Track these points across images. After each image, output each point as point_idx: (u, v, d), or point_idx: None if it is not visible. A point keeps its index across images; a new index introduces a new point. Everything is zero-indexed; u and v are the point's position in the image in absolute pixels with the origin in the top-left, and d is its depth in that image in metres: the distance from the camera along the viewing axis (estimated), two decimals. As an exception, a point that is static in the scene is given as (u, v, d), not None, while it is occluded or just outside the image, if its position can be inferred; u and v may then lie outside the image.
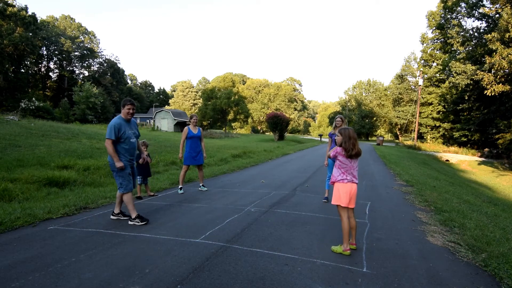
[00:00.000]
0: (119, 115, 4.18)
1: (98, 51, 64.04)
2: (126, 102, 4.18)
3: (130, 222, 4.09)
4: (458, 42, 29.28)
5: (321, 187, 7.09)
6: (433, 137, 38.38)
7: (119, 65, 68.30)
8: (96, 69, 64.12)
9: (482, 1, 26.04)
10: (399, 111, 45.74)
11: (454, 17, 30.49)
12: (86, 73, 62.39)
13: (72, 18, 62.39)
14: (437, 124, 37.54)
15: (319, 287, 2.56)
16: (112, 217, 4.29)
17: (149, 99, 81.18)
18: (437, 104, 37.24)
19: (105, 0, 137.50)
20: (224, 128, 54.34)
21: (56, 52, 56.91)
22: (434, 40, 39.14)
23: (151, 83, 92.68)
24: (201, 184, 6.50)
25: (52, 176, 6.31)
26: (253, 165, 11.06)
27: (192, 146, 6.16)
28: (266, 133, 60.59)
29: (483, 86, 18.94)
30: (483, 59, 20.83)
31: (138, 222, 4.04)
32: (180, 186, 6.26)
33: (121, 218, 4.28)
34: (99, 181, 6.89)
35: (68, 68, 59.88)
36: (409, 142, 36.14)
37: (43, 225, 3.97)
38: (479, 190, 11.71)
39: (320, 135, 46.56)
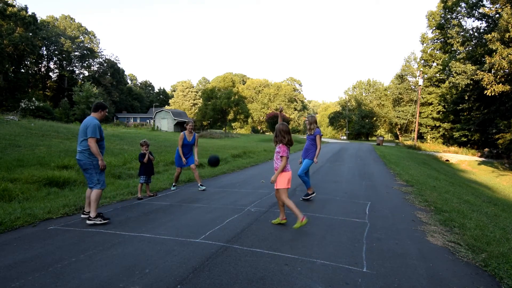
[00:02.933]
0: (93, 116, 4.17)
1: (98, 51, 64.03)
2: (105, 106, 4.32)
3: (89, 222, 3.99)
4: (458, 42, 29.29)
5: (320, 187, 7.10)
6: (433, 137, 38.39)
7: (119, 65, 68.29)
8: (96, 69, 64.13)
9: (482, 1, 26.04)
10: (399, 111, 45.75)
11: (454, 17, 30.51)
12: (86, 73, 62.41)
13: (72, 18, 62.39)
14: (437, 124, 37.56)
15: (319, 287, 2.56)
16: (89, 222, 4.02)
17: (149, 99, 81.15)
18: (437, 104, 37.25)
19: (105, 0, 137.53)
20: (224, 128, 54.33)
21: (56, 52, 56.90)
22: (434, 40, 39.15)
23: (151, 83, 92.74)
24: (199, 184, 6.52)
25: (52, 176, 6.31)
26: (253, 165, 11.06)
27: (183, 151, 6.30)
28: (266, 133, 60.60)
29: (483, 86, 18.95)
30: (483, 59, 20.84)
31: (100, 221, 3.99)
32: (173, 184, 6.55)
33: (98, 222, 4.04)
34: (99, 181, 6.89)
35: (68, 68, 59.88)
36: (409, 142, 36.14)
37: (43, 225, 3.98)
38: (479, 190, 11.71)
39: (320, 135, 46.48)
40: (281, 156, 3.93)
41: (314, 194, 5.87)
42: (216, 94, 49.45)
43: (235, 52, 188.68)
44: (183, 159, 6.23)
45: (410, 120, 43.34)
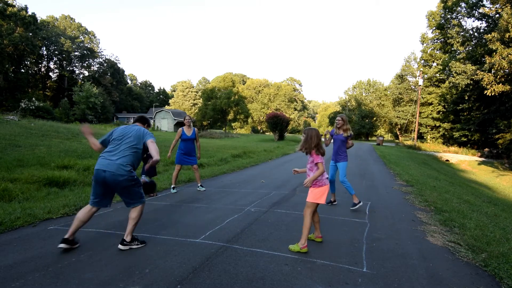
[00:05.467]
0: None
1: (98, 51, 64.04)
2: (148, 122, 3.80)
3: (123, 247, 3.20)
4: (458, 42, 29.33)
5: (321, 187, 7.09)
6: (433, 137, 38.38)
7: (119, 65, 68.32)
8: (96, 69, 64.13)
9: (482, 1, 26.08)
10: (399, 111, 45.75)
11: (454, 17, 30.55)
12: (86, 73, 62.41)
13: (72, 18, 62.43)
14: (437, 124, 37.55)
15: (319, 287, 2.56)
16: (123, 247, 3.22)
17: (149, 99, 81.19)
18: (437, 104, 37.25)
19: (105, 0, 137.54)
20: (224, 128, 54.36)
21: (56, 52, 56.91)
22: (434, 40, 39.15)
23: (151, 83, 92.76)
24: (199, 184, 6.50)
25: (52, 176, 6.30)
26: (253, 165, 11.06)
27: (185, 147, 6.16)
28: (266, 133, 60.58)
29: (483, 86, 18.96)
30: (483, 59, 20.86)
31: (137, 244, 3.30)
32: (172, 186, 6.29)
33: (134, 246, 3.28)
34: (99, 181, 6.88)
35: (68, 68, 59.88)
36: (409, 142, 36.14)
37: (43, 225, 3.97)
38: (479, 190, 11.71)
39: (320, 135, 46.24)
40: (317, 163, 3.36)
41: (361, 203, 5.10)
42: (216, 94, 49.48)
43: (235, 52, 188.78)
44: (169, 153, 6.16)
45: (410, 120, 43.32)
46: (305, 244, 3.28)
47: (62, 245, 3.12)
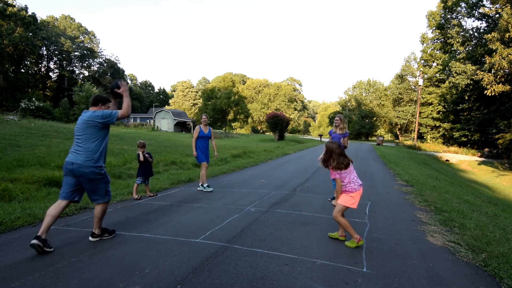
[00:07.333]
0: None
1: (98, 51, 64.06)
2: (106, 99, 3.59)
3: (92, 239, 3.46)
4: (458, 42, 29.34)
5: (321, 187, 7.10)
6: (433, 137, 38.39)
7: (119, 65, 68.34)
8: (96, 69, 64.14)
9: (482, 1, 26.08)
10: (399, 111, 45.77)
11: (454, 17, 30.57)
12: (86, 73, 62.42)
13: (72, 18, 62.45)
14: (437, 124, 37.56)
15: (319, 287, 2.56)
16: (92, 238, 3.47)
17: (149, 99, 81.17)
18: (437, 104, 37.27)
19: (106, 0, 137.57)
20: (224, 128, 54.33)
21: (56, 52, 56.91)
22: (434, 40, 39.18)
23: (151, 83, 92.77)
24: (200, 184, 6.51)
25: (52, 176, 6.31)
26: (253, 165, 11.06)
27: (202, 144, 6.39)
28: (266, 133, 60.59)
29: (483, 86, 18.96)
30: (483, 59, 20.87)
31: (107, 236, 3.54)
32: (206, 184, 6.40)
33: (105, 237, 3.54)
34: (99, 181, 6.88)
35: (68, 68, 59.88)
36: (409, 142, 36.14)
37: (43, 225, 3.97)
38: (479, 190, 11.71)
39: (320, 135, 46.29)
40: (333, 179, 3.57)
41: None
42: (216, 94, 49.44)
43: (235, 52, 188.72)
44: (194, 151, 6.28)
45: (410, 120, 43.35)
46: (358, 237, 3.45)
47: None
